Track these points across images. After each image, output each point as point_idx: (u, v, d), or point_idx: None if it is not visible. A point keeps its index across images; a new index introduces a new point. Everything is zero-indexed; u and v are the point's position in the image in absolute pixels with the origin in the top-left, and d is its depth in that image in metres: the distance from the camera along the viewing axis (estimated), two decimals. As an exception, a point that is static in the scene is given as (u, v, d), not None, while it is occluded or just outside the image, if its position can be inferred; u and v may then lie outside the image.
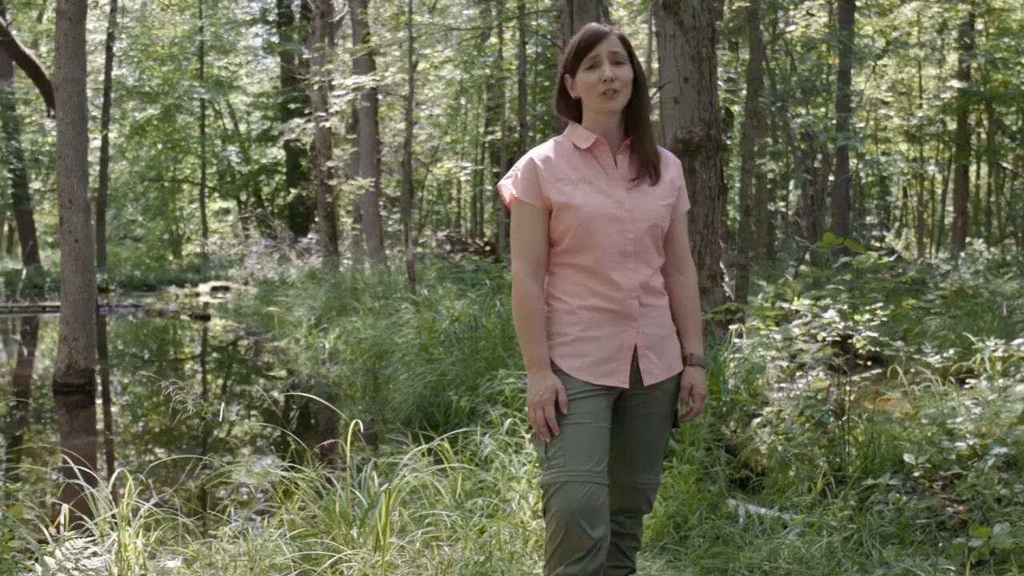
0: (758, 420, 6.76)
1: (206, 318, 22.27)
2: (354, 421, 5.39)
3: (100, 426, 10.27)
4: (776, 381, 8.05)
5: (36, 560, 4.28)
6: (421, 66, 28.23)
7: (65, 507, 4.91)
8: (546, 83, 26.55)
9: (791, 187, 27.75)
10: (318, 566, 4.60)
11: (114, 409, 11.52)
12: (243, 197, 40.10)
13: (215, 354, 17.45)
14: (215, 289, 28.72)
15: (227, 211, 43.42)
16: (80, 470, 5.28)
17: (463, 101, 32.83)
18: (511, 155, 25.82)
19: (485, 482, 5.77)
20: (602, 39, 3.50)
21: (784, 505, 5.72)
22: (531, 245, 3.54)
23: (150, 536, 5.01)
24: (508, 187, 3.61)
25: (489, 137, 31.67)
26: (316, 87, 19.27)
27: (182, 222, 40.81)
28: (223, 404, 8.07)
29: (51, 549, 4.35)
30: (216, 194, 41.36)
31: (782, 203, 29.90)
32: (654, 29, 10.55)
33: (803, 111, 18.42)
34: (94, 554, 4.70)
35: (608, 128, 3.58)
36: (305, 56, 22.11)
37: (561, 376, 3.51)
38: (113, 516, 4.90)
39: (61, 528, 4.76)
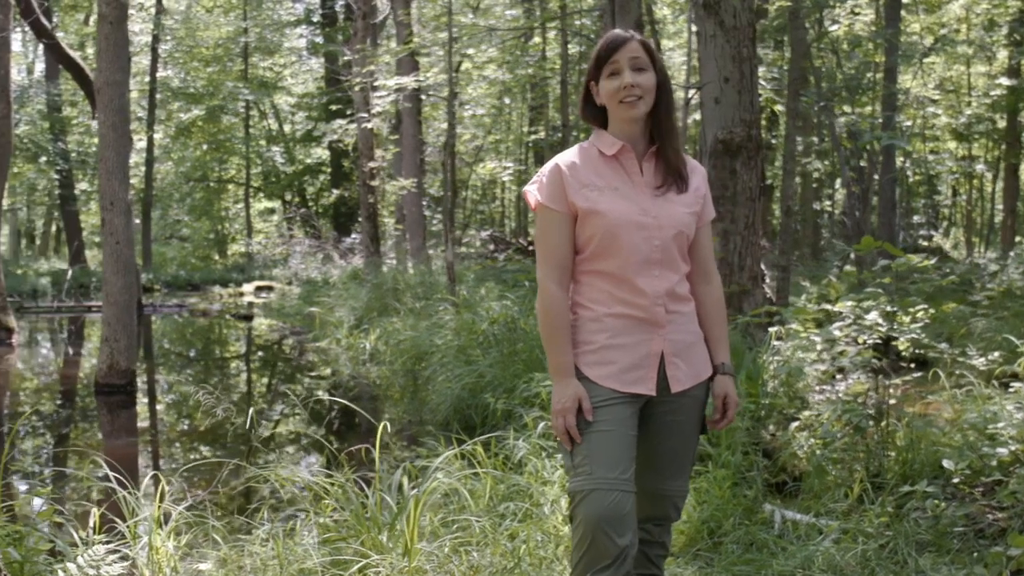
0: (796, 424, 6.68)
1: (249, 318, 22.38)
2: (381, 425, 5.35)
3: (140, 427, 10.31)
4: (818, 384, 7.96)
5: (61, 563, 4.27)
6: (465, 66, 28.25)
7: (95, 510, 4.90)
8: (590, 82, 26.40)
9: (837, 186, 27.53)
10: (347, 571, 4.57)
11: (155, 410, 11.55)
12: (288, 197, 40.22)
13: (257, 354, 17.50)
14: (259, 289, 28.82)
15: (272, 211, 43.59)
16: (114, 473, 5.25)
17: (507, 101, 32.76)
18: (555, 154, 25.67)
19: (518, 486, 5.73)
20: (622, 46, 3.46)
21: (820, 511, 5.64)
22: (556, 252, 3.51)
23: (181, 539, 5.02)
24: (533, 192, 3.57)
25: (533, 137, 31.60)
26: (358, 88, 19.26)
27: (227, 222, 40.95)
28: (252, 409, 8.00)
29: (78, 553, 4.33)
30: (261, 194, 41.50)
31: (828, 202, 29.65)
32: (694, 29, 10.51)
33: (848, 110, 18.26)
34: (123, 557, 4.71)
35: (633, 135, 3.54)
36: (346, 57, 22.12)
37: (587, 384, 3.47)
38: (144, 519, 4.89)
39: (90, 532, 4.74)
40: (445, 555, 4.85)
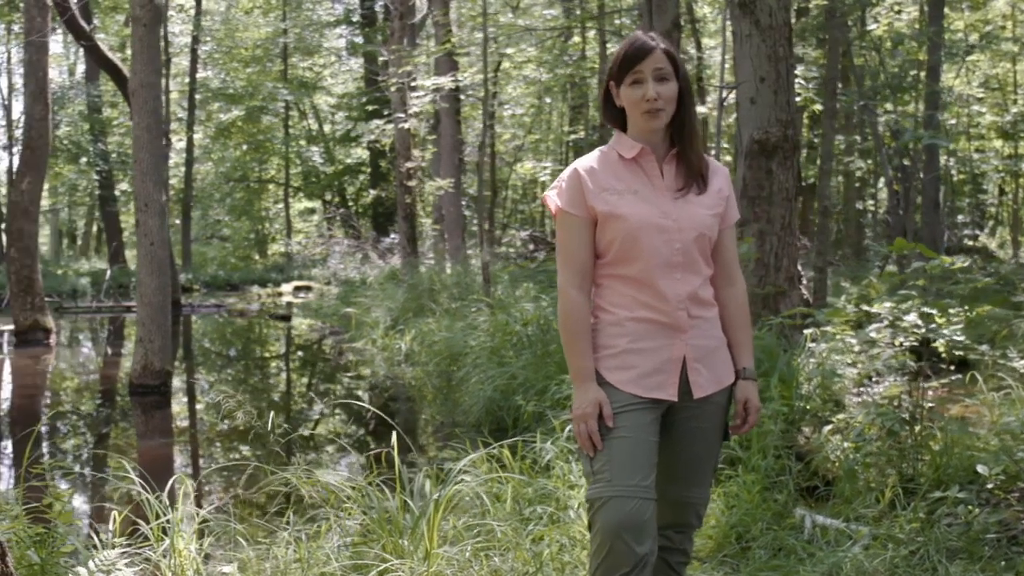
0: (829, 427, 6.59)
1: (286, 318, 22.44)
2: (394, 432, 5.31)
3: (173, 427, 10.34)
4: (855, 386, 7.85)
5: (73, 567, 4.25)
6: (504, 65, 28.22)
7: (115, 513, 4.90)
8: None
9: (880, 186, 27.28)
10: (366, 575, 4.55)
11: (187, 410, 11.57)
12: (328, 197, 40.33)
13: (293, 355, 17.55)
14: (297, 289, 28.89)
15: (312, 211, 43.71)
16: (139, 474, 5.25)
17: (547, 100, 32.73)
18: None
19: (545, 490, 5.68)
20: (647, 55, 3.40)
21: (850, 516, 5.56)
22: (577, 256, 3.48)
23: (203, 541, 5.01)
24: (553, 198, 3.54)
25: (572, 136, 31.53)
26: (395, 88, 19.26)
27: (267, 222, 41.12)
28: (272, 412, 8.00)
29: (90, 556, 4.32)
30: (301, 194, 41.63)
31: (871, 202, 29.40)
32: (730, 28, 10.42)
33: (890, 108, 18.07)
34: (146, 560, 4.70)
35: (652, 139, 3.50)
36: (382, 58, 22.13)
37: (608, 389, 3.43)
38: (166, 521, 4.88)
39: (109, 535, 4.74)
40: (466, 559, 4.80)
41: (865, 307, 7.06)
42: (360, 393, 12.03)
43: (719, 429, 3.60)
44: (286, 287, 29.51)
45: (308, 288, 28.42)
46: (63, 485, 7.56)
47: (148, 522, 4.89)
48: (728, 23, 12.65)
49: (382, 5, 32.69)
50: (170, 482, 5.27)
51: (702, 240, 3.48)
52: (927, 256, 6.24)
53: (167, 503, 5.00)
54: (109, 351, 17.32)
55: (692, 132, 3.51)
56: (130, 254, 33.48)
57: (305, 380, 14.36)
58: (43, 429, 10.17)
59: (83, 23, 18.06)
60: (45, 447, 9.37)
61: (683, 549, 3.70)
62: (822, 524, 5.43)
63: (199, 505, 5.22)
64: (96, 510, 6.79)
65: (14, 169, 39.55)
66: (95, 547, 4.67)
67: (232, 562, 5.00)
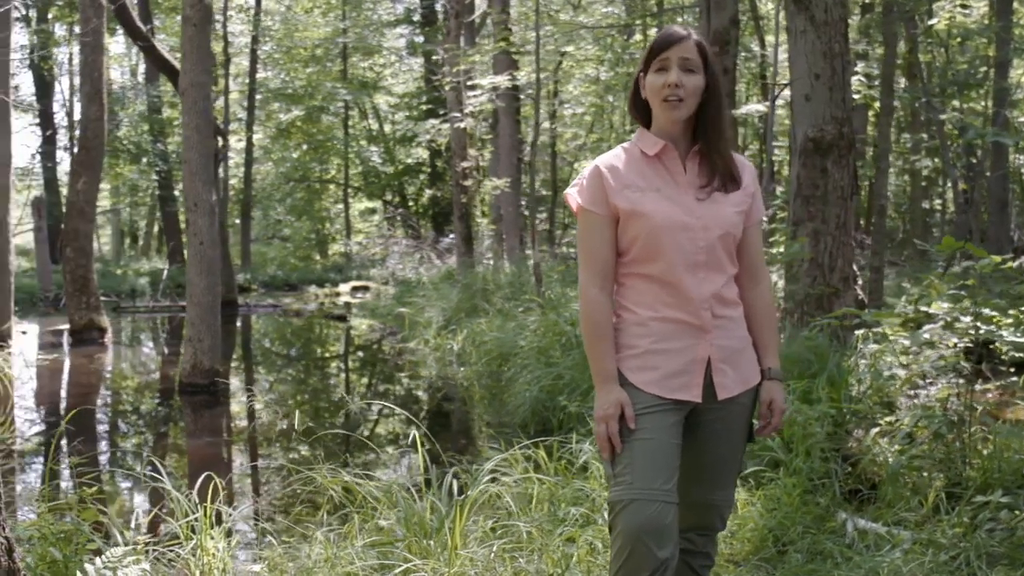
0: (876, 430, 6.43)
1: (342, 318, 22.49)
2: (414, 432, 5.26)
3: (220, 427, 10.34)
4: (911, 388, 7.67)
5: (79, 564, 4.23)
6: (565, 64, 28.10)
7: (139, 510, 4.88)
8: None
9: (949, 184, 26.85)
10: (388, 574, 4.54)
11: (235, 410, 11.57)
12: (388, 197, 40.43)
13: (344, 354, 17.54)
14: (355, 289, 28.95)
15: (373, 211, 43.83)
16: (177, 473, 5.25)
17: (610, 99, 32.55)
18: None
19: (583, 491, 5.64)
20: (676, 43, 3.35)
21: (892, 520, 5.45)
22: (598, 255, 3.42)
23: (231, 540, 5.01)
24: (574, 196, 3.49)
25: (632, 136, 31.31)
26: (450, 87, 19.21)
27: (328, 222, 41.31)
28: (298, 412, 7.99)
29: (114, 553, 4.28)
30: (361, 194, 41.77)
31: (938, 201, 28.95)
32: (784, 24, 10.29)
33: (956, 105, 17.75)
34: (176, 557, 4.71)
35: (674, 134, 3.44)
36: (435, 57, 22.11)
37: (630, 390, 3.37)
38: (196, 519, 4.90)
39: (134, 532, 4.71)
40: (489, 560, 4.75)
41: (923, 308, 6.91)
42: (410, 393, 12.01)
43: (744, 431, 3.54)
44: (344, 287, 29.59)
45: (366, 288, 28.48)
46: (119, 484, 7.61)
47: (170, 520, 4.90)
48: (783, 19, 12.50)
49: (442, 4, 32.72)
50: (199, 480, 5.26)
51: (727, 239, 3.42)
52: (978, 255, 6.06)
53: (196, 501, 5.01)
54: (162, 350, 17.43)
55: (717, 131, 3.44)
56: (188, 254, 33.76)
57: (355, 380, 14.35)
58: (87, 427, 10.22)
59: (139, 23, 18.15)
60: (85, 445, 9.39)
61: (706, 552, 3.66)
62: (863, 528, 5.32)
63: (230, 504, 5.16)
64: (130, 509, 6.80)
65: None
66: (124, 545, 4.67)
67: (260, 561, 5.04)
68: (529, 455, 5.91)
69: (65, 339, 16.96)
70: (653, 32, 24.27)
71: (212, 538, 4.84)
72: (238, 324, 21.56)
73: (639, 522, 3.21)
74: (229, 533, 5.07)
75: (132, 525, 4.85)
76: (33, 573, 4.27)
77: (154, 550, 4.80)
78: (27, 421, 10.08)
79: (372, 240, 35.91)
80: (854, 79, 13.39)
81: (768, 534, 5.34)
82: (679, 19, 21.65)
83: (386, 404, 7.29)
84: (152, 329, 20.83)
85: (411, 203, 39.49)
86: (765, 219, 11.35)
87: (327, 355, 17.57)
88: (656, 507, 3.22)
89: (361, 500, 5.42)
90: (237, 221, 35.09)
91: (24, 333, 18.26)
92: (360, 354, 17.44)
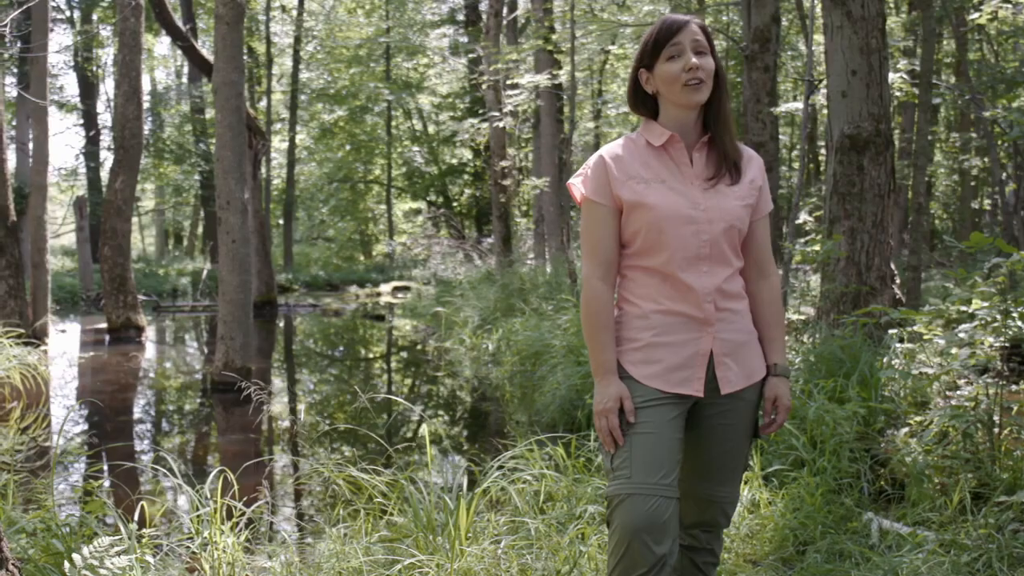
0: (906, 430, 6.30)
1: (380, 318, 22.53)
2: (425, 428, 5.22)
3: (249, 424, 10.31)
4: (948, 389, 7.52)
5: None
6: (610, 62, 27.99)
7: (143, 503, 4.87)
8: (738, 79, 26.02)
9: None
10: (392, 570, 4.52)
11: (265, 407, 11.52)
12: (431, 198, 40.51)
13: (377, 354, 17.51)
14: (396, 289, 29.04)
15: (418, 212, 43.93)
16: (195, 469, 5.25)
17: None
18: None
19: (601, 488, 5.59)
20: (684, 27, 3.28)
21: (915, 521, 5.34)
22: (601, 247, 3.35)
23: (240, 535, 4.98)
24: (578, 186, 3.42)
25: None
26: (487, 86, 19.15)
27: (372, 222, 41.43)
28: (303, 408, 7.97)
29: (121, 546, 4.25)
30: (406, 195, 41.87)
31: (987, 201, 28.62)
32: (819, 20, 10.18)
33: (1005, 104, 17.47)
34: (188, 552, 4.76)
35: (685, 124, 3.36)
36: (471, 55, 22.08)
37: (631, 383, 3.30)
38: (203, 514, 4.90)
39: (136, 524, 4.71)
40: (493, 557, 4.72)
41: (963, 308, 6.77)
42: (441, 392, 11.96)
43: (748, 426, 3.46)
44: (385, 287, 29.67)
45: (407, 289, 28.57)
46: (135, 479, 7.59)
47: (181, 513, 4.89)
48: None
49: (486, 5, 32.73)
50: (211, 475, 5.24)
51: (732, 232, 3.34)
52: (1007, 252, 5.92)
53: (207, 496, 5.00)
54: (197, 349, 17.48)
55: (725, 117, 3.37)
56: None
57: (384, 378, 14.30)
58: (117, 424, 10.26)
59: (179, 23, 18.23)
60: (107, 440, 9.43)
61: (710, 549, 3.59)
62: (888, 528, 5.20)
63: (243, 499, 5.14)
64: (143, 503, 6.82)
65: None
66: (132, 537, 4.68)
67: (272, 557, 4.98)
68: (549, 452, 5.85)
69: (102, 338, 17.05)
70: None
71: (222, 532, 4.83)
72: (280, 324, 21.59)
73: (636, 517, 3.14)
74: (237, 528, 5.04)
75: (135, 518, 4.78)
76: (35, 564, 4.24)
77: (161, 544, 4.85)
78: (56, 419, 10.06)
79: (415, 240, 35.97)
80: (897, 76, 13.23)
81: (789, 534, 5.26)
82: (725, 18, 21.53)
83: (395, 398, 7.20)
84: (190, 328, 20.92)
85: (455, 203, 39.52)
86: (811, 218, 11.23)
87: (361, 354, 17.53)
88: (654, 502, 3.15)
89: (370, 496, 5.41)
90: (280, 222, 35.22)
91: (63, 332, 18.45)
92: (394, 353, 17.41)
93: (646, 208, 3.26)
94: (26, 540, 4.47)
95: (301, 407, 10.78)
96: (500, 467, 5.46)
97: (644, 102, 3.44)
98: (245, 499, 5.18)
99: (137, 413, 11.17)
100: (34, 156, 16.08)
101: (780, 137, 24.32)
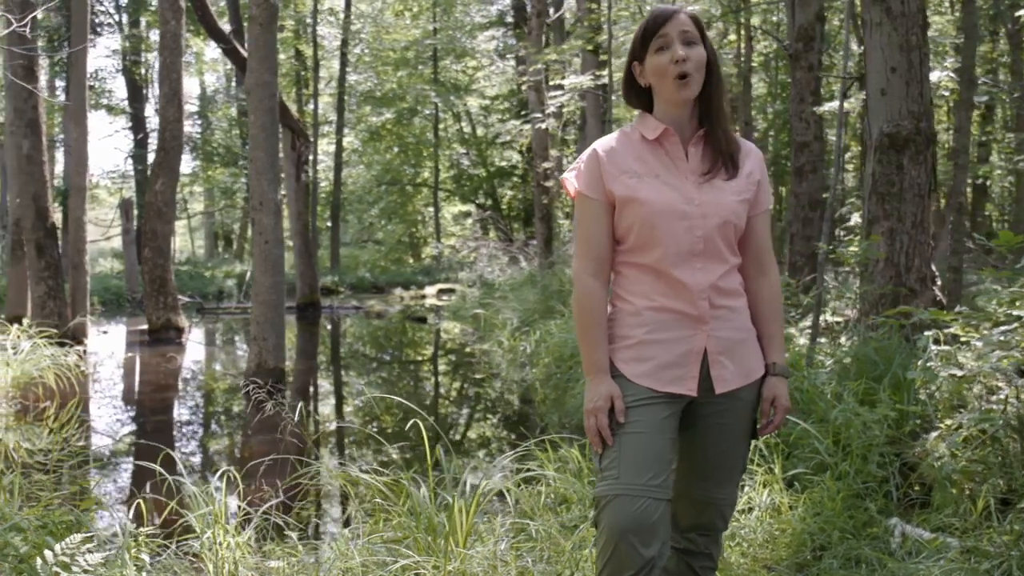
0: (936, 434, 6.14)
1: (422, 320, 22.54)
2: (425, 427, 5.16)
3: (278, 425, 10.28)
4: (989, 392, 7.34)
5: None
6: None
7: (140, 501, 4.85)
8: (788, 79, 25.81)
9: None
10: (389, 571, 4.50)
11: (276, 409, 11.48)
12: (480, 200, 40.52)
13: (413, 355, 17.49)
14: (441, 291, 29.06)
15: (468, 214, 43.97)
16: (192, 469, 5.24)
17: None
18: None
19: None
20: (671, 18, 3.21)
21: (938, 527, 5.21)
22: (593, 242, 3.29)
23: (244, 535, 4.97)
24: (571, 180, 3.36)
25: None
26: (530, 87, 19.09)
27: (421, 225, 41.53)
28: (300, 404, 7.93)
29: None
30: (456, 197, 41.92)
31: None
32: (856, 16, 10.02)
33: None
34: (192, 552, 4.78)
35: (680, 118, 3.28)
36: (510, 55, 22.02)
37: (622, 381, 3.23)
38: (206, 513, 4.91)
39: (131, 523, 4.77)
40: (492, 559, 4.65)
41: (1013, 311, 6.61)
42: (474, 394, 11.93)
43: (746, 427, 3.38)
44: (430, 290, 29.72)
45: (452, 291, 28.56)
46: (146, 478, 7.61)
47: (186, 512, 4.89)
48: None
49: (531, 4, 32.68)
50: (216, 475, 5.21)
51: (727, 227, 3.25)
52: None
53: (212, 495, 5.02)
54: (236, 350, 17.52)
55: (719, 109, 3.30)
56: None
57: (418, 379, 14.28)
58: (146, 425, 10.29)
59: (222, 26, 18.31)
60: (138, 439, 9.46)
61: (708, 553, 3.52)
62: (911, 534, 5.06)
63: (250, 500, 5.13)
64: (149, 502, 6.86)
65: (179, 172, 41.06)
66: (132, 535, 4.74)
67: (268, 556, 4.98)
68: (563, 456, 5.78)
69: (143, 339, 17.16)
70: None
71: (227, 532, 4.82)
72: (324, 326, 21.65)
73: (624, 519, 3.07)
74: (242, 527, 5.05)
75: (130, 516, 4.77)
76: (27, 563, 4.22)
77: (168, 544, 4.83)
78: (88, 419, 10.09)
79: (464, 243, 35.99)
80: (944, 74, 13.02)
81: (808, 539, 5.16)
82: (773, 18, 21.34)
83: (397, 398, 7.13)
84: (232, 329, 21.00)
85: (503, 206, 39.51)
86: (859, 217, 11.04)
87: (398, 356, 17.50)
88: (642, 503, 3.08)
89: (371, 495, 5.39)
90: (329, 224, 35.30)
91: (105, 333, 18.60)
92: (432, 355, 17.40)
93: (638, 203, 3.19)
94: (20, 537, 4.45)
95: (327, 408, 10.71)
96: (519, 469, 5.39)
97: (638, 95, 3.38)
98: (248, 498, 5.17)
99: (165, 413, 11.21)
100: (73, 158, 16.21)
101: (831, 138, 24.08)
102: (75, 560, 3.65)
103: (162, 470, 5.19)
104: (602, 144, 3.33)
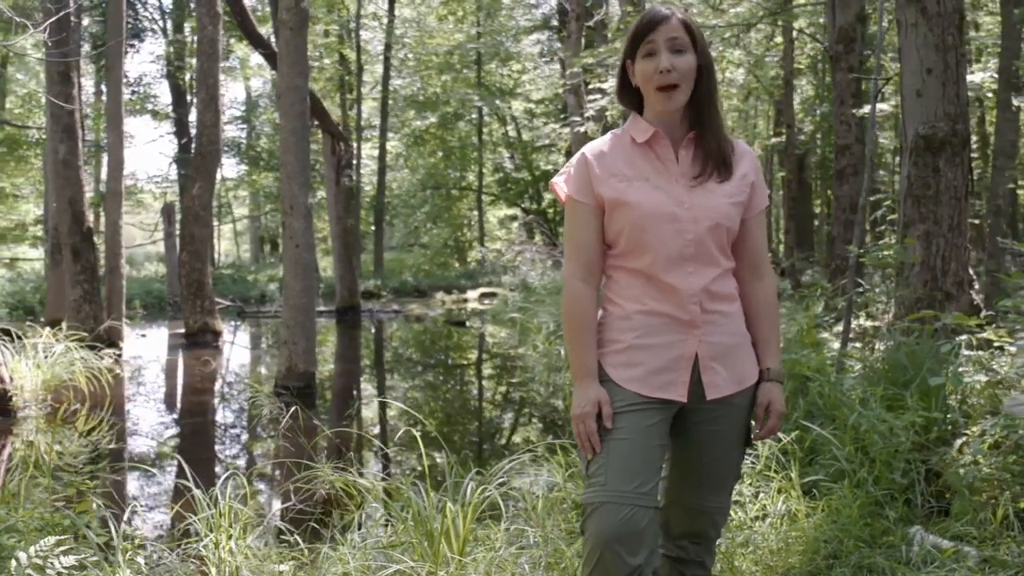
0: (961, 441, 6.01)
1: (461, 324, 22.53)
2: (420, 433, 5.12)
3: (303, 428, 10.27)
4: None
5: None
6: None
7: (133, 502, 4.84)
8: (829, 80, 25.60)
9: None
10: None
11: (329, 413, 11.47)
12: (525, 204, 40.50)
13: (449, 359, 17.47)
14: (484, 295, 29.08)
15: (513, 218, 44.01)
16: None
17: (755, 103, 31.97)
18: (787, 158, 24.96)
19: None
20: (660, 24, 3.15)
21: (956, 535, 5.10)
22: (583, 247, 3.26)
23: (246, 538, 4.98)
24: (561, 185, 3.36)
25: (772, 140, 30.74)
26: (569, 90, 19.01)
27: (467, 229, 41.58)
28: (296, 407, 7.93)
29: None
30: (501, 201, 41.93)
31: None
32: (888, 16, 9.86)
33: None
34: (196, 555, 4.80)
35: (670, 121, 3.24)
36: (544, 58, 21.94)
37: (610, 387, 3.20)
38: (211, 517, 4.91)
39: (123, 528, 4.71)
40: (489, 564, 4.62)
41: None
42: (502, 398, 11.88)
43: (740, 434, 3.33)
44: (472, 293, 29.77)
45: (494, 295, 28.55)
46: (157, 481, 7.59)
47: (190, 515, 4.90)
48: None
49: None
50: (221, 479, 5.18)
51: (718, 231, 3.20)
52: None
53: (218, 499, 5.00)
54: (272, 354, 17.57)
55: (712, 113, 3.26)
56: (325, 262, 34.22)
57: (448, 383, 14.24)
58: (173, 428, 10.30)
59: (260, 31, 18.38)
60: (165, 442, 9.46)
61: (700, 562, 3.47)
62: (930, 543, 4.93)
63: (261, 504, 5.11)
64: (154, 505, 6.85)
65: (223, 176, 41.48)
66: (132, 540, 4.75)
67: (265, 560, 4.94)
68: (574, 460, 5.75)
69: (180, 342, 17.28)
70: (795, 34, 23.81)
71: (231, 536, 4.83)
72: (364, 330, 21.70)
73: (609, 526, 3.03)
74: (245, 532, 5.03)
75: (126, 518, 4.76)
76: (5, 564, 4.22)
77: (166, 546, 4.88)
78: (118, 421, 10.11)
79: (508, 247, 36.01)
80: (987, 75, 12.83)
81: (821, 547, 5.06)
82: (820, 20, 21.15)
83: (391, 402, 7.09)
84: (271, 333, 21.08)
85: (548, 209, 39.46)
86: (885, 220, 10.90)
87: (432, 360, 17.45)
88: (628, 511, 3.03)
89: (368, 499, 5.43)
90: (372, 228, 35.38)
91: (143, 336, 18.71)
92: (467, 358, 17.35)
93: (628, 207, 3.16)
94: (16, 540, 4.45)
95: (351, 412, 10.67)
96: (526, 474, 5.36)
97: (631, 95, 3.34)
98: (251, 503, 5.16)
99: (194, 417, 11.23)
100: (109, 162, 16.32)
101: (883, 140, 23.82)
102: (48, 563, 3.61)
103: (160, 471, 5.18)
104: (592, 148, 3.30)
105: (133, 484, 7.70)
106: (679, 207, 3.14)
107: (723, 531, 4.93)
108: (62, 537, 4.00)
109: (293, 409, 8.45)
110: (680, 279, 3.14)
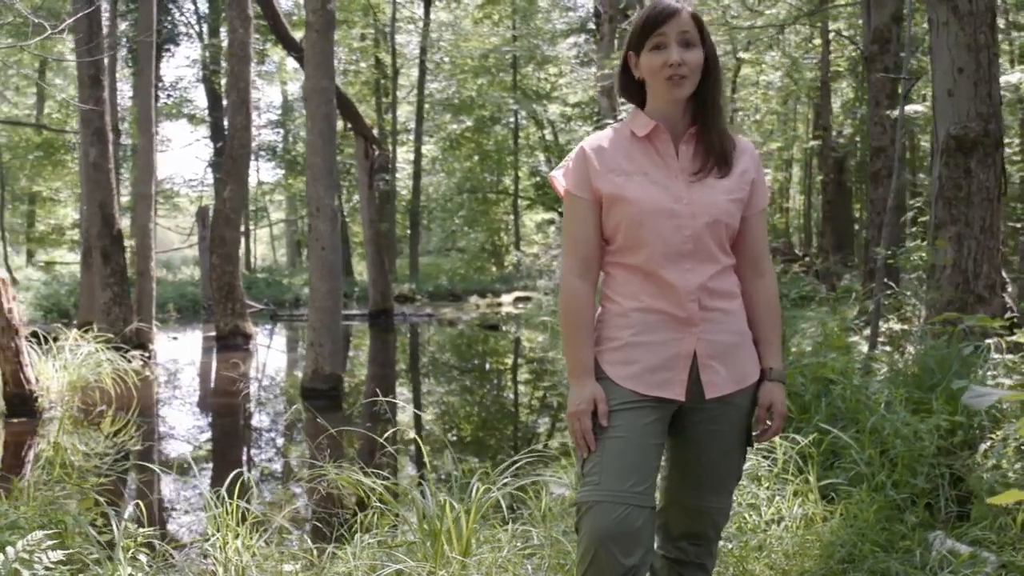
0: (986, 445, 5.90)
1: (495, 328, 22.50)
2: (417, 435, 5.08)
3: (323, 430, 10.26)
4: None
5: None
6: (744, 71, 27.53)
7: (134, 501, 4.83)
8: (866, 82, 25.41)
9: None
10: None
11: (352, 415, 11.43)
12: (562, 208, 40.49)
13: (478, 362, 17.46)
14: (518, 300, 29.05)
15: (551, 222, 43.98)
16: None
17: (796, 106, 31.79)
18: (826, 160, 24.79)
19: None
20: (671, 17, 3.10)
21: (975, 540, 4.98)
22: (581, 242, 3.21)
23: (253, 538, 4.94)
24: (559, 179, 3.30)
25: (811, 143, 30.56)
26: (601, 93, 18.93)
27: (504, 233, 41.59)
28: (291, 407, 7.93)
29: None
30: (538, 205, 41.91)
31: None
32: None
33: None
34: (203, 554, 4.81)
35: (672, 115, 3.18)
36: (572, 60, 21.87)
37: (607, 385, 3.13)
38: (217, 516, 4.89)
39: (126, 525, 4.71)
40: (488, 567, 4.59)
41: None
42: (527, 401, 11.81)
43: (740, 434, 3.27)
44: (506, 297, 29.75)
45: (528, 299, 28.52)
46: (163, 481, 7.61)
47: (199, 515, 4.86)
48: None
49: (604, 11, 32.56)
50: (228, 479, 5.15)
51: (717, 227, 3.14)
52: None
53: (226, 498, 4.98)
54: (303, 356, 17.62)
55: (716, 108, 3.20)
56: (361, 266, 34.31)
57: (474, 386, 14.21)
58: (198, 429, 10.31)
59: (293, 34, 18.41)
60: (177, 445, 9.48)
61: (700, 564, 3.41)
62: (951, 549, 4.83)
63: (267, 504, 5.10)
64: (162, 505, 6.85)
65: (260, 180, 41.72)
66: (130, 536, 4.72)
67: (267, 559, 4.92)
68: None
69: (211, 345, 17.39)
70: (833, 35, 23.64)
71: (237, 536, 4.82)
72: (398, 333, 21.71)
73: (604, 526, 2.97)
74: (253, 532, 4.99)
75: (127, 516, 4.76)
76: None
77: (165, 545, 4.83)
78: (144, 421, 10.12)
79: (545, 250, 35.98)
80: (1018, 74, 12.66)
81: (836, 551, 4.98)
82: (858, 21, 20.98)
83: (387, 399, 7.01)
84: (300, 337, 21.15)
85: (560, 214, 39.48)
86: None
87: (463, 362, 17.41)
88: (623, 510, 2.98)
89: (375, 501, 5.35)
90: (408, 231, 35.42)
91: (175, 339, 18.80)
92: (498, 361, 17.31)
93: (626, 202, 3.11)
94: (17, 536, 4.45)
95: (372, 414, 10.63)
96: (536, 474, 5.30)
97: (632, 88, 3.28)
98: (261, 502, 5.15)
99: (220, 418, 11.29)
100: (139, 166, 16.43)
101: (924, 143, 23.59)
102: (34, 557, 3.58)
103: (160, 471, 5.16)
104: (591, 142, 3.24)
105: (146, 484, 7.71)
106: (677, 203, 3.10)
107: (737, 534, 4.88)
108: (49, 532, 3.97)
109: (313, 412, 8.46)
110: (677, 276, 3.09)
